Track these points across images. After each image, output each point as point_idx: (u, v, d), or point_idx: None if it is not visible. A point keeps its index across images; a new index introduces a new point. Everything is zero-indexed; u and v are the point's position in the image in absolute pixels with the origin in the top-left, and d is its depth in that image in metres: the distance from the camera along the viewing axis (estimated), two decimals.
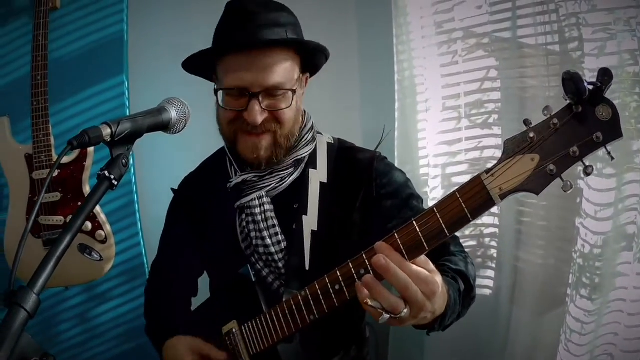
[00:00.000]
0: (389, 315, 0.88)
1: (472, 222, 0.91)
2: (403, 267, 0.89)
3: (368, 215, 1.31)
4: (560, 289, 1.75)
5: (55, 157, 1.99)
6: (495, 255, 2.03)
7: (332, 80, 2.01)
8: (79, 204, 2.01)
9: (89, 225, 2.01)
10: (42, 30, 1.97)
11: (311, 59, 1.31)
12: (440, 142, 2.12)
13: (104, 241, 2.01)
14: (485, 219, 2.03)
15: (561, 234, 1.77)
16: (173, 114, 1.00)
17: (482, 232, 2.06)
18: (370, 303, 0.89)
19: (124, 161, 0.90)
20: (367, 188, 1.31)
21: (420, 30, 2.13)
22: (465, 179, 1.96)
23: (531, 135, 0.84)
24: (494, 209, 1.94)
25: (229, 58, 1.21)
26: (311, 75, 1.38)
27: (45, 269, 0.80)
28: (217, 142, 1.43)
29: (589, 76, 1.37)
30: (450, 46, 2.06)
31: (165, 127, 1.00)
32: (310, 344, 1.21)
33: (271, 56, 1.20)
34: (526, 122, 0.85)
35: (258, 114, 1.19)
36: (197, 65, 1.30)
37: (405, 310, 0.89)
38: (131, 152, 0.95)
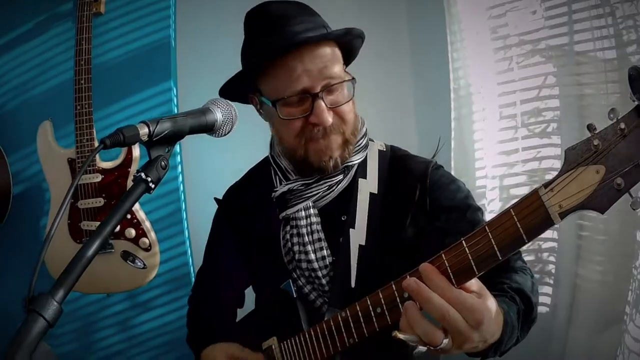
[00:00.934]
0: (425, 348, 0.81)
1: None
2: (445, 292, 0.79)
3: (421, 229, 1.22)
4: (618, 306, 1.68)
5: (99, 162, 1.96)
6: (553, 270, 1.94)
7: (386, 87, 1.94)
8: None
9: (132, 232, 1.96)
10: (85, 35, 1.94)
11: (349, 50, 1.24)
12: (497, 152, 2.03)
13: (148, 249, 1.97)
14: (545, 233, 1.92)
15: (621, 249, 1.70)
16: (218, 115, 0.94)
17: (541, 246, 1.98)
18: (399, 336, 0.81)
19: (162, 163, 0.84)
20: (420, 200, 1.22)
21: (474, 36, 2.05)
22: (523, 190, 1.89)
23: (595, 142, 0.72)
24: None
25: (278, 66, 1.13)
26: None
27: (70, 275, 0.74)
28: (266, 149, 1.37)
29: None
30: (506, 52, 1.99)
31: (210, 129, 0.93)
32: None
33: (322, 51, 1.13)
34: (590, 127, 0.73)
35: (326, 112, 1.12)
36: (235, 88, 1.22)
37: (446, 341, 0.80)
38: (171, 155, 0.88)
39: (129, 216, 1.96)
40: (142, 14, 2.14)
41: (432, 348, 0.80)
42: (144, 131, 0.81)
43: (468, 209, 1.21)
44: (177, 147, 2.17)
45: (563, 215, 0.74)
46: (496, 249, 0.78)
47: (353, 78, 1.18)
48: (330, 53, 1.15)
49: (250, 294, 1.48)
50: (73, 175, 1.96)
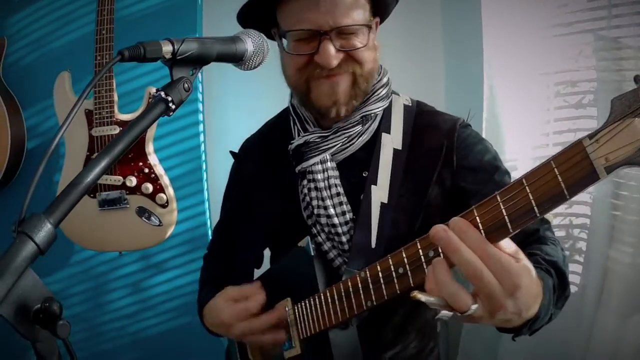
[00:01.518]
0: (451, 313, 0.69)
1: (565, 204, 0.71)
2: (479, 245, 0.68)
3: (446, 189, 1.14)
4: None
5: (118, 114, 1.90)
6: (584, 248, 1.88)
7: (416, 56, 1.86)
8: (140, 164, 1.91)
9: (149, 187, 1.90)
10: None
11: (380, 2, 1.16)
12: (529, 123, 1.97)
13: (165, 205, 1.91)
14: (576, 207, 1.88)
15: None
16: (249, 45, 0.87)
17: (572, 222, 1.91)
18: (419, 297, 0.70)
19: (185, 85, 0.77)
20: (447, 158, 1.14)
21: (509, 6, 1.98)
22: None
23: None
24: (586, 198, 1.82)
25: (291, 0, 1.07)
26: (381, 21, 1.21)
27: (69, 196, 0.66)
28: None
29: None
30: (543, 20, 1.90)
31: (239, 59, 0.86)
32: (367, 333, 1.06)
33: None
34: (636, 79, 0.64)
35: (332, 55, 1.05)
36: (253, 16, 1.15)
37: (474, 307, 0.69)
38: (195, 78, 0.81)
39: (146, 170, 1.91)
40: None
41: (458, 314, 0.69)
42: (167, 48, 0.75)
43: (496, 171, 1.14)
44: (199, 106, 2.11)
45: (609, 169, 0.64)
46: (534, 204, 0.68)
47: (370, 25, 1.10)
48: None
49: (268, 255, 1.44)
50: (90, 127, 1.90)
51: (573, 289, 1.82)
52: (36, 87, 2.15)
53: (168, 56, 0.75)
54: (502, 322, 0.74)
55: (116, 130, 1.89)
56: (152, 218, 1.91)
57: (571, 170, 0.66)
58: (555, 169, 0.67)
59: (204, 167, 2.14)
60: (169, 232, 1.93)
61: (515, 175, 1.86)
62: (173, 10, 2.09)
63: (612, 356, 1.72)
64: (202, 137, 2.13)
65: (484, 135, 1.95)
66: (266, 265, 1.40)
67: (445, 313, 0.69)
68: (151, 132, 1.93)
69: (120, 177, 1.90)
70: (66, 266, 2.21)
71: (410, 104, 1.23)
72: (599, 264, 1.79)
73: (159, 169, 1.93)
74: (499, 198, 0.71)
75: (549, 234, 1.08)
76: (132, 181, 1.90)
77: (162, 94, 0.75)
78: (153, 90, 1.92)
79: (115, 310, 2.22)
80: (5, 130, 2.04)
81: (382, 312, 1.13)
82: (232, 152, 1.41)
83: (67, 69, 1.98)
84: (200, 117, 2.13)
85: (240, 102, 2.21)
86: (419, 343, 1.26)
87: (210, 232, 2.13)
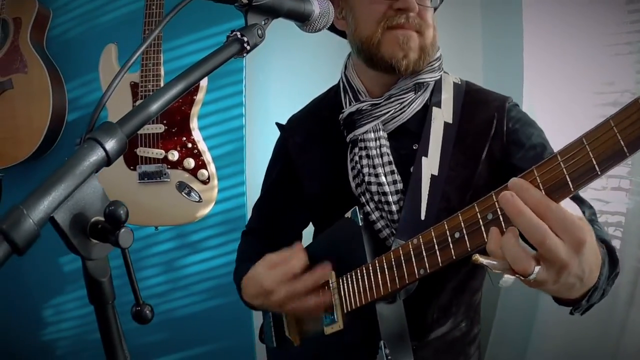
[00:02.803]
0: (513, 277, 0.68)
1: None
2: (542, 203, 0.68)
3: (495, 163, 1.14)
4: None
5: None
6: (618, 246, 1.85)
7: (455, 45, 1.88)
8: (183, 139, 1.90)
9: (192, 162, 1.89)
10: None
11: None
12: (567, 119, 1.96)
13: (206, 181, 1.89)
14: (612, 206, 1.87)
15: None
16: (316, 8, 0.86)
17: (607, 220, 1.89)
18: (480, 260, 0.69)
19: (259, 32, 0.77)
20: (497, 133, 1.14)
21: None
22: None
23: None
24: (623, 198, 1.82)
25: None
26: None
27: (144, 110, 0.63)
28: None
29: None
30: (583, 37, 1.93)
31: (305, 19, 0.86)
32: (412, 311, 1.04)
33: None
34: None
35: (414, 1, 1.07)
36: None
37: (537, 269, 0.68)
38: (267, 27, 0.80)
39: (189, 145, 1.90)
40: None
41: (522, 278, 0.68)
42: None
43: (545, 149, 1.13)
44: (242, 87, 2.11)
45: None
46: (594, 162, 0.68)
47: None
48: None
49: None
50: (134, 99, 1.90)
51: None
52: (80, 61, 2.15)
53: (245, 1, 0.76)
54: (566, 287, 0.73)
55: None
56: (192, 194, 1.90)
57: (629, 128, 0.66)
58: (614, 128, 0.67)
59: (244, 146, 2.13)
60: (208, 209, 1.91)
61: None
62: None
63: None
64: (244, 120, 2.12)
65: None
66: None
67: (507, 278, 0.68)
68: (196, 108, 1.92)
69: (162, 151, 1.89)
70: None
71: (459, 82, 1.25)
72: (633, 263, 1.78)
73: (202, 145, 1.92)
74: (559, 157, 0.71)
75: (595, 219, 1.07)
76: (175, 155, 1.89)
77: (238, 34, 0.75)
78: None
79: (145, 288, 2.18)
80: (47, 100, 2.04)
81: (429, 291, 1.11)
82: (278, 124, 1.42)
83: (114, 41, 1.99)
84: (243, 99, 2.13)
85: (282, 89, 2.22)
86: (463, 326, 1.24)
87: (247, 214, 2.12)
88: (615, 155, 0.67)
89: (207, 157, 1.92)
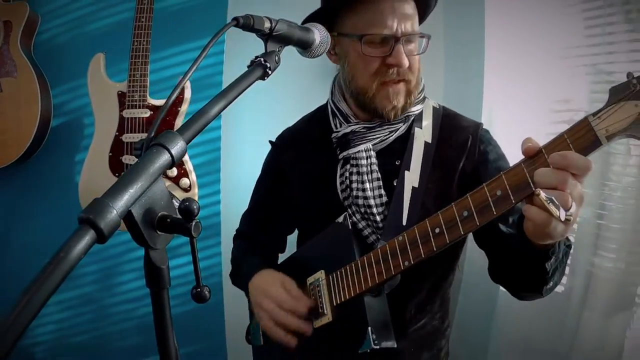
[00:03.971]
0: (565, 212, 0.85)
1: None
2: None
3: (468, 178, 1.30)
4: (630, 289, 1.77)
5: (149, 99, 1.98)
6: (571, 252, 2.00)
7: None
8: None
9: (174, 170, 1.97)
10: None
11: (422, 12, 1.32)
12: (524, 135, 2.12)
13: (187, 189, 1.98)
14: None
15: (634, 237, 1.79)
16: (317, 36, 0.99)
17: None
18: (542, 194, 0.85)
19: (277, 58, 0.89)
20: (470, 153, 1.30)
21: (511, 24, 2.19)
22: None
23: (634, 82, 0.87)
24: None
25: (368, 5, 1.22)
26: None
27: (198, 121, 0.73)
28: (305, 107, 1.49)
29: None
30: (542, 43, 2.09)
31: (309, 46, 0.98)
32: (393, 308, 1.18)
33: (408, 3, 1.22)
34: (629, 75, 0.88)
35: (405, 56, 1.20)
36: (313, 19, 1.27)
37: (574, 206, 0.86)
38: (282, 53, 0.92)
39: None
40: None
41: (565, 212, 0.85)
42: (267, 25, 0.87)
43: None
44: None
45: (610, 138, 0.87)
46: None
47: (429, 35, 1.26)
48: (413, 7, 1.24)
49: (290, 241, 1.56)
50: (121, 109, 1.97)
51: (559, 289, 1.97)
52: (65, 67, 2.18)
53: (267, 31, 0.87)
54: (563, 230, 0.89)
55: (147, 113, 1.97)
56: (174, 201, 1.97)
57: (580, 139, 0.89)
58: (567, 139, 0.89)
59: (220, 159, 2.22)
60: None
61: None
62: (204, 7, 2.21)
63: (596, 353, 1.84)
64: (221, 131, 2.22)
65: None
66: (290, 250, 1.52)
67: (562, 211, 0.84)
68: (180, 119, 2.00)
69: None
70: None
71: (437, 107, 1.40)
72: (584, 267, 1.93)
73: (185, 156, 2.00)
74: (543, 151, 0.91)
75: None
76: None
77: (262, 60, 0.86)
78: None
79: (124, 292, 2.24)
80: (36, 105, 2.06)
81: (408, 290, 1.25)
82: (271, 142, 1.53)
83: (103, 51, 2.05)
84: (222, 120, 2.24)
85: (256, 105, 2.32)
86: (437, 321, 1.39)
87: (222, 222, 2.20)
88: None
89: (189, 166, 2.01)
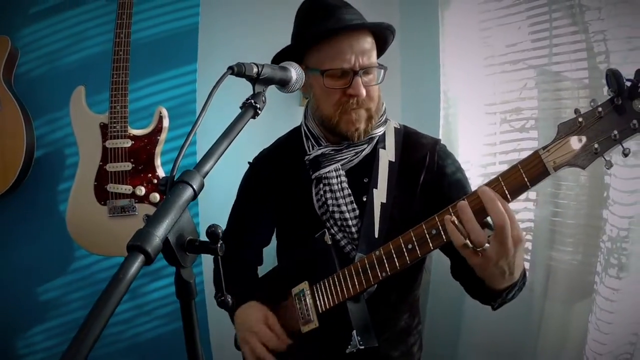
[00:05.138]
0: (472, 246, 1.01)
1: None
2: (503, 203, 1.02)
3: (428, 190, 1.45)
4: (587, 277, 1.91)
5: (130, 129, 2.07)
6: (530, 247, 2.18)
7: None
8: (149, 175, 2.09)
9: (157, 196, 2.08)
10: (127, 10, 2.06)
11: (382, 44, 1.48)
12: (481, 144, 2.35)
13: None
14: (522, 214, 2.20)
15: (588, 230, 1.94)
16: (293, 74, 1.13)
17: (520, 226, 2.19)
18: (457, 223, 1.03)
19: (264, 98, 1.02)
20: (429, 167, 1.46)
21: (463, 44, 2.38)
22: None
23: (580, 120, 1.00)
24: (531, 206, 2.16)
25: (328, 44, 1.36)
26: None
27: (210, 160, 0.86)
28: (278, 129, 1.64)
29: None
30: (492, 59, 2.29)
31: (286, 84, 1.13)
32: (371, 309, 1.33)
33: (365, 39, 1.37)
34: (576, 111, 1.01)
35: (362, 87, 1.35)
36: (279, 60, 1.43)
37: (487, 246, 1.01)
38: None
39: (155, 181, 2.09)
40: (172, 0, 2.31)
41: (477, 249, 1.02)
42: (255, 70, 1.01)
43: (464, 185, 1.48)
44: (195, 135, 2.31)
45: (557, 168, 1.03)
46: (507, 194, 1.06)
47: (385, 67, 1.42)
48: (371, 42, 1.39)
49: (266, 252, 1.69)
50: (104, 139, 2.06)
51: None
52: (45, 99, 2.25)
53: (254, 76, 1.01)
54: (498, 274, 1.07)
55: (129, 143, 2.07)
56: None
57: (531, 170, 1.05)
58: (521, 170, 1.06)
59: None
60: None
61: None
62: (176, 38, 2.32)
63: (560, 339, 1.97)
64: (197, 157, 2.33)
65: None
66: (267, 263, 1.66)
67: (467, 243, 1.01)
68: (159, 148, 2.12)
69: (130, 187, 2.07)
70: (67, 273, 2.29)
71: (399, 127, 1.55)
72: (544, 261, 2.08)
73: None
74: (500, 179, 1.08)
75: None
76: (142, 190, 2.08)
77: (253, 101, 0.99)
78: (164, 110, 2.14)
79: (112, 315, 2.29)
80: (21, 137, 2.11)
81: (381, 295, 1.40)
82: (249, 162, 1.66)
83: (80, 83, 2.12)
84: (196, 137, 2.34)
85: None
86: (410, 318, 1.54)
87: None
88: (521, 189, 1.06)
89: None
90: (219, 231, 0.79)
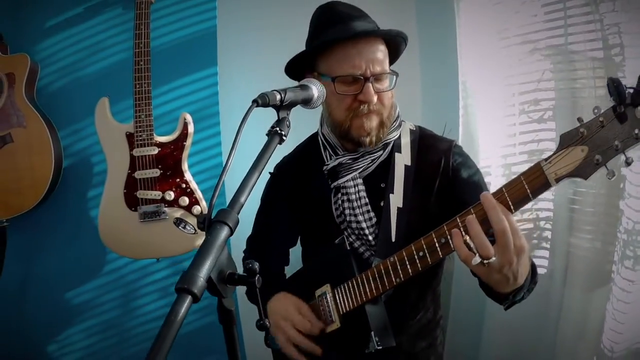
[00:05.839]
0: (480, 259, 1.03)
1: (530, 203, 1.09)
2: (505, 213, 1.05)
3: (443, 194, 1.48)
4: (606, 266, 1.95)
5: (155, 137, 2.13)
6: (549, 236, 2.22)
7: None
8: (177, 180, 2.15)
9: (186, 200, 2.14)
10: (144, 20, 2.09)
11: (395, 51, 1.51)
12: (501, 135, 2.36)
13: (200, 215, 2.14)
14: (541, 203, 2.24)
15: (607, 218, 1.97)
16: (315, 92, 1.15)
17: (538, 215, 2.26)
18: (468, 241, 1.04)
19: (288, 122, 1.06)
20: (445, 170, 1.49)
21: (481, 34, 2.39)
22: (524, 167, 2.26)
23: (582, 130, 0.99)
24: (549, 195, 2.20)
25: (338, 51, 1.39)
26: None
27: (243, 194, 0.92)
28: (297, 135, 1.61)
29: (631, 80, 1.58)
30: (509, 49, 2.30)
31: (309, 102, 1.15)
32: (392, 309, 1.39)
33: (376, 46, 1.41)
34: (579, 120, 1.01)
35: (373, 93, 1.38)
36: (292, 65, 1.49)
37: (494, 259, 1.03)
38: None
39: (183, 185, 2.15)
40: (189, 5, 2.33)
41: (484, 261, 1.03)
42: (278, 97, 1.04)
43: (480, 186, 1.50)
44: (220, 130, 2.38)
45: (558, 180, 1.05)
46: (510, 205, 1.09)
47: (397, 73, 1.45)
48: (382, 49, 1.43)
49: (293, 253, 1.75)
50: (131, 148, 2.12)
51: (542, 271, 2.18)
52: (67, 110, 2.30)
53: (278, 103, 1.05)
54: (502, 280, 1.09)
55: (155, 150, 2.13)
56: (188, 227, 2.15)
57: (533, 181, 1.08)
58: (523, 181, 1.08)
59: (225, 183, 2.37)
60: (203, 239, 2.15)
61: (487, 178, 2.23)
62: (195, 42, 2.34)
63: (580, 326, 2.01)
64: (222, 157, 2.38)
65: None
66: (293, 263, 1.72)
67: (477, 259, 1.04)
68: (186, 153, 2.17)
69: (160, 192, 2.14)
70: (99, 276, 2.38)
71: (414, 129, 1.58)
72: (563, 249, 2.12)
73: (194, 184, 2.18)
74: (504, 189, 1.11)
75: None
76: (171, 195, 2.14)
77: (278, 129, 1.03)
78: (188, 116, 2.19)
79: (144, 314, 2.39)
80: (49, 151, 2.17)
81: (402, 293, 1.46)
82: (270, 172, 1.71)
83: (101, 92, 2.17)
84: (221, 138, 2.39)
85: (256, 134, 2.46)
86: (429, 314, 1.60)
87: (230, 242, 2.37)
88: (523, 200, 1.08)
89: (199, 194, 2.18)
90: (256, 267, 0.86)
